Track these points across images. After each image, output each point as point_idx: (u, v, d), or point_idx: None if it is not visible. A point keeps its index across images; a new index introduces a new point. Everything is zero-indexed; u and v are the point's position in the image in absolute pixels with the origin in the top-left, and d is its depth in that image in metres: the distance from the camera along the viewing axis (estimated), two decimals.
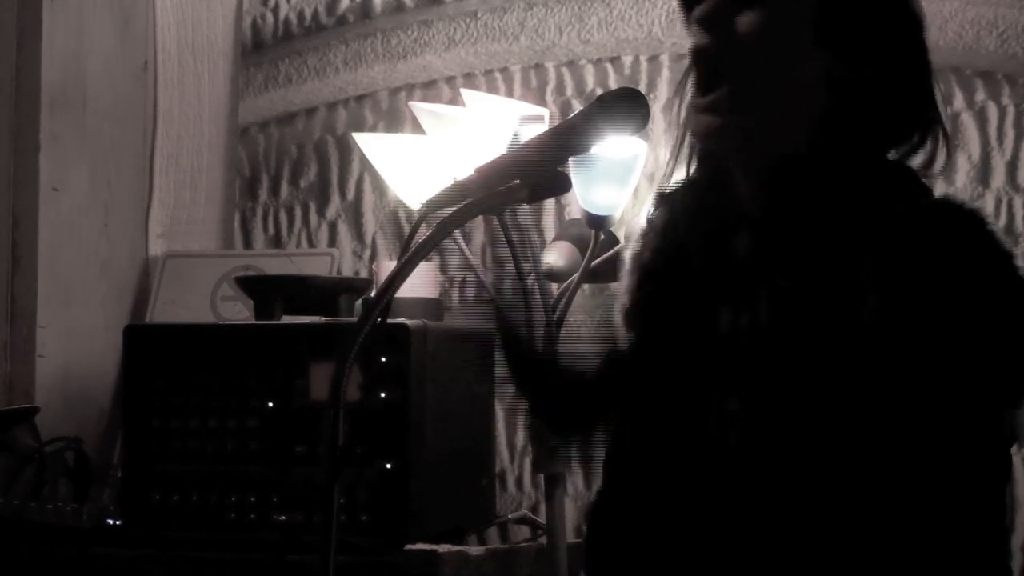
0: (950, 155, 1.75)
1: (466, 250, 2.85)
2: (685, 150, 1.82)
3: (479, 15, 3.24)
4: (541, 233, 3.08)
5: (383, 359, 2.65)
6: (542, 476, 2.70)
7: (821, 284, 1.60)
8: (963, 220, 1.58)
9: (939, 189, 2.97)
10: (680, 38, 3.03)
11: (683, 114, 1.79)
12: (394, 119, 3.25)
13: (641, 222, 1.89)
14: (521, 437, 3.04)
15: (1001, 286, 1.57)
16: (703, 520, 1.66)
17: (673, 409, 1.77)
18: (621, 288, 1.88)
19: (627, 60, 3.04)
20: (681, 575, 1.65)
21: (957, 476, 1.55)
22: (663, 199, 1.84)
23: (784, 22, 1.63)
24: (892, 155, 1.65)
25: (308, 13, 3.36)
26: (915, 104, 1.67)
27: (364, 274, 3.20)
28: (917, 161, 1.70)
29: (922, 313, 1.53)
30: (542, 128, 2.55)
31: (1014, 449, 1.71)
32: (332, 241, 3.33)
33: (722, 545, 1.64)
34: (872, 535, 1.55)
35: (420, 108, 2.87)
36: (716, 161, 1.77)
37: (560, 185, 1.65)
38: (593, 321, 3.05)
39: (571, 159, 1.81)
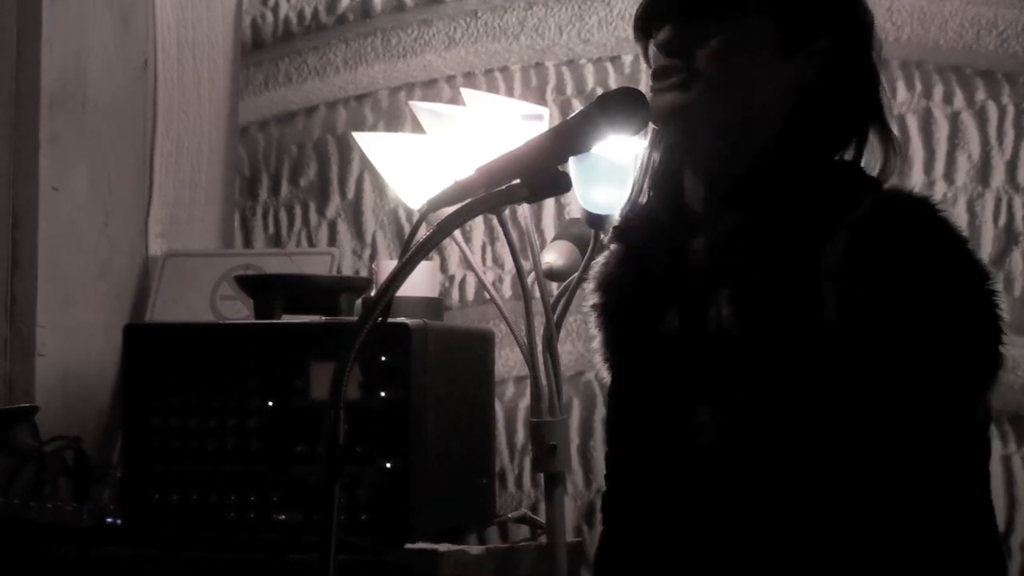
0: (902, 155, 1.78)
1: (466, 249, 2.85)
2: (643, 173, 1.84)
3: (479, 14, 3.25)
4: (541, 232, 3.09)
5: (383, 358, 2.66)
6: (542, 475, 2.71)
7: (780, 284, 1.62)
8: (915, 209, 1.60)
9: (941, 188, 2.97)
10: None
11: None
12: (394, 118, 3.25)
13: (603, 244, 1.90)
14: (521, 436, 3.06)
15: (957, 271, 1.57)
16: (688, 524, 1.69)
17: (644, 420, 1.81)
18: (587, 304, 1.91)
19: (627, 59, 3.05)
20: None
21: (930, 465, 1.56)
22: (625, 220, 1.86)
23: (748, 37, 1.66)
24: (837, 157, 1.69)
25: (308, 12, 3.37)
26: (864, 105, 1.70)
27: (364, 273, 3.21)
28: (871, 163, 1.76)
29: (881, 304, 1.54)
30: (542, 127, 2.56)
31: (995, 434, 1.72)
32: (332, 240, 3.34)
33: (710, 547, 1.66)
34: (849, 527, 1.56)
35: (420, 107, 2.89)
36: (672, 176, 1.79)
37: (560, 185, 1.65)
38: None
39: (571, 159, 1.82)
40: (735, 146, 1.66)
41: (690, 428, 1.72)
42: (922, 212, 1.59)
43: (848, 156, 1.69)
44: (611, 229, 1.95)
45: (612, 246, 1.90)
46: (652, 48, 1.73)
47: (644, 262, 1.82)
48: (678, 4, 1.65)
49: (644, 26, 1.69)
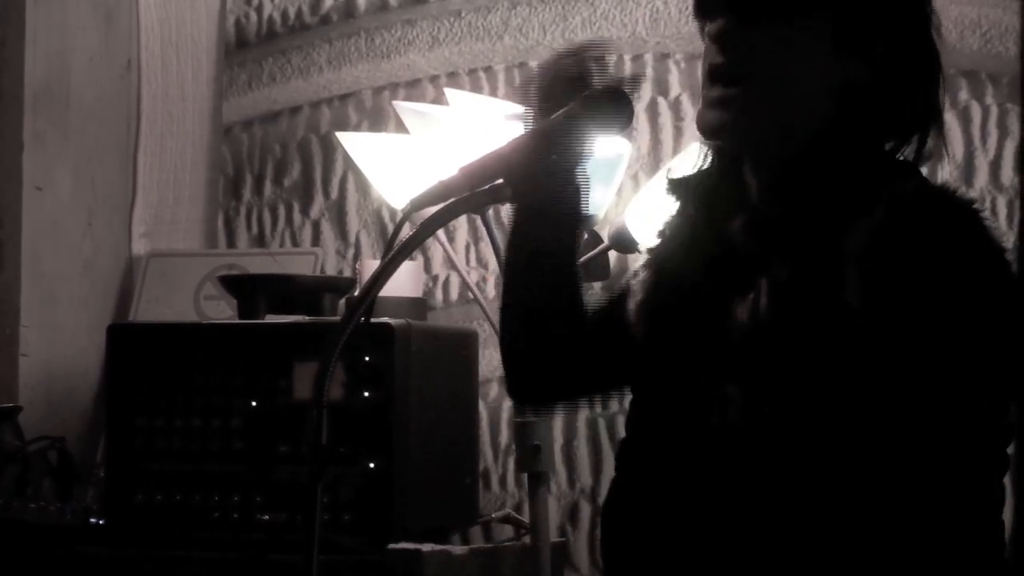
0: (943, 148, 1.78)
1: (449, 249, 2.84)
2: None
3: (463, 14, 3.26)
4: None
5: (367, 358, 2.66)
6: (525, 475, 2.72)
7: (812, 270, 1.62)
8: (954, 207, 1.58)
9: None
10: (664, 37, 3.09)
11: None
12: (378, 118, 3.27)
13: (659, 218, 1.96)
14: (505, 436, 3.07)
15: (989, 276, 1.56)
16: (704, 507, 1.68)
17: (675, 395, 1.80)
18: (636, 282, 1.91)
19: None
20: (689, 565, 1.68)
21: (946, 463, 1.56)
22: (678, 186, 1.86)
23: (801, 39, 1.65)
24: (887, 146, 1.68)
25: (292, 12, 3.39)
26: (922, 103, 1.69)
27: (348, 273, 3.22)
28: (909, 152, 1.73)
29: (908, 298, 1.53)
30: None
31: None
32: (316, 240, 3.34)
33: (724, 533, 1.66)
34: (865, 522, 1.57)
35: (404, 107, 2.89)
36: (729, 154, 1.80)
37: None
38: None
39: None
40: (779, 141, 1.67)
41: (716, 403, 1.73)
42: (962, 212, 1.58)
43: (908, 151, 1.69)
44: (675, 190, 1.92)
45: (674, 215, 1.90)
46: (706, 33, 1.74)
47: (697, 237, 1.83)
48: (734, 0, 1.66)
49: (701, 11, 1.71)
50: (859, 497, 1.56)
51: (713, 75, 1.70)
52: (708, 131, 1.74)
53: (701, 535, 1.70)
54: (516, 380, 2.04)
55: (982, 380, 1.57)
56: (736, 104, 1.69)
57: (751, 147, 1.75)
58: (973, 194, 2.72)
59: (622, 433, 2.98)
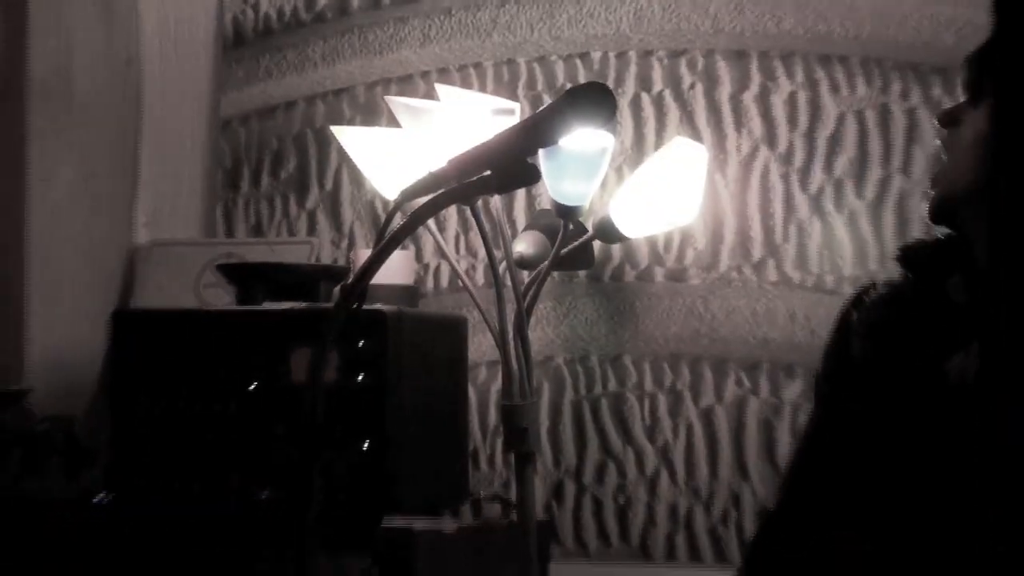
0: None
1: (440, 239, 2.80)
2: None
3: (453, 12, 3.20)
4: (513, 222, 3.03)
5: (360, 344, 2.63)
6: (513, 456, 2.71)
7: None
8: None
9: (898, 182, 2.92)
10: (647, 34, 3.05)
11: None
12: (371, 113, 3.21)
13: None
14: (493, 418, 3.05)
15: None
16: None
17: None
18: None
19: (596, 56, 3.03)
20: None
21: None
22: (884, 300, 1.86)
23: None
24: None
25: (288, 9, 3.35)
26: None
27: (342, 262, 3.19)
28: None
29: None
30: (513, 122, 2.48)
31: None
32: (311, 230, 3.30)
33: None
34: None
35: (396, 102, 2.85)
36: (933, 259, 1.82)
37: (529, 176, 1.64)
38: (560, 307, 3.05)
39: (541, 152, 1.81)
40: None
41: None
42: None
43: None
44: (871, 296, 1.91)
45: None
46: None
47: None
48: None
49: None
50: None
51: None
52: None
53: None
54: None
55: None
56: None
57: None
58: None
59: (606, 414, 2.98)
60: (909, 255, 1.86)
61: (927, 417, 1.72)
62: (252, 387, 2.70)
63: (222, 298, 3.09)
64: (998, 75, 1.34)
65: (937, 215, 1.81)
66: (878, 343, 1.83)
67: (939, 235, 1.84)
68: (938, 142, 1.86)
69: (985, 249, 1.70)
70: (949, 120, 1.81)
